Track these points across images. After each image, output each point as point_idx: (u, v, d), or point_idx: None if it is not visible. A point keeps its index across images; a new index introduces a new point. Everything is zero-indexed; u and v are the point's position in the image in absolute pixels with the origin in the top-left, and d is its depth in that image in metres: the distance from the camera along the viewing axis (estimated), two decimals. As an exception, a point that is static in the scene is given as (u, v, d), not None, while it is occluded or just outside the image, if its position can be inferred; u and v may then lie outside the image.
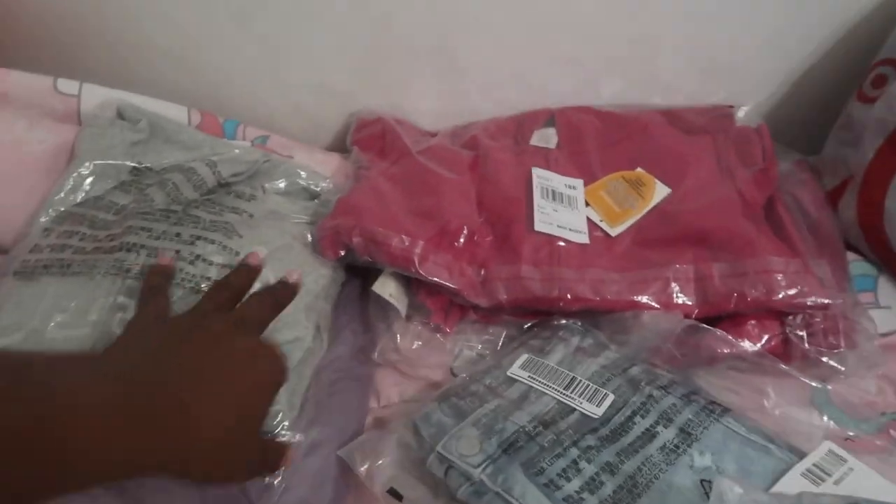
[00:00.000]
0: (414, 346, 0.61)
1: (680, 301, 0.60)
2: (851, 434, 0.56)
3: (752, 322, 0.60)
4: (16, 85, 0.67)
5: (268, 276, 0.56)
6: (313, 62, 0.74)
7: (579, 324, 0.60)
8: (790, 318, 0.60)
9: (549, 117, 0.78)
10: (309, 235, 0.63)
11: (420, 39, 0.73)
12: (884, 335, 0.65)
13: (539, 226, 0.65)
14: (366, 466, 0.50)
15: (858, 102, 0.70)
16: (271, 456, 0.47)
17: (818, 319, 0.60)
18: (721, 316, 0.60)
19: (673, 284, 0.60)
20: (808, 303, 0.59)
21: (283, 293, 0.53)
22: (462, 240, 0.63)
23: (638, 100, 0.79)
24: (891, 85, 0.65)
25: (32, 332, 0.49)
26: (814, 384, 0.60)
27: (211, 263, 0.54)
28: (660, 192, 0.68)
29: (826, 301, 0.59)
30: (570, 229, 0.65)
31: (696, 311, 0.60)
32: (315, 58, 0.74)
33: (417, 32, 0.72)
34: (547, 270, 0.61)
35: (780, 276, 0.59)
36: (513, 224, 0.65)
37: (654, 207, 0.67)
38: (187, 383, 0.40)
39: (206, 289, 0.52)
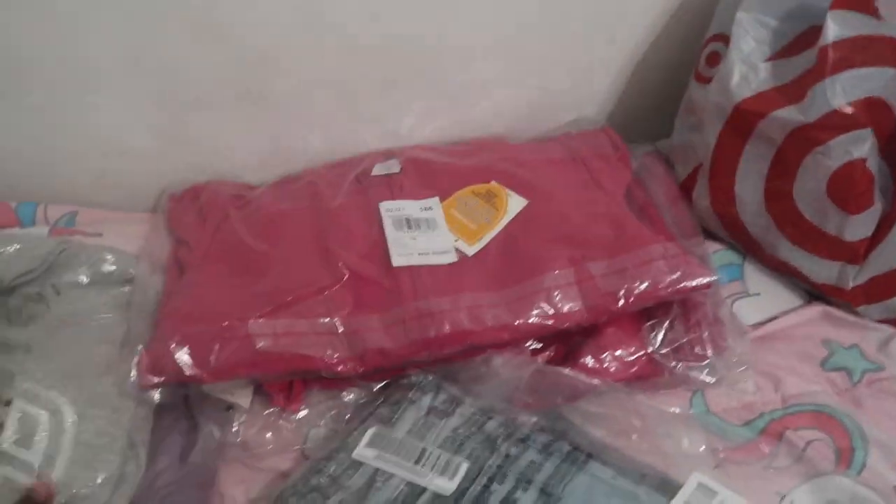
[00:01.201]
0: (257, 436, 0.56)
1: (566, 309, 0.56)
2: (722, 448, 0.54)
3: (612, 349, 0.56)
4: None
5: (62, 409, 0.49)
6: (102, 124, 0.67)
7: (431, 378, 0.56)
8: (651, 336, 0.58)
9: (390, 154, 0.72)
10: (118, 332, 0.56)
11: (221, 84, 0.66)
12: (758, 324, 0.63)
13: (397, 261, 0.60)
14: None
15: (697, 83, 0.68)
16: None
17: (681, 332, 0.58)
18: (577, 343, 0.57)
19: (555, 293, 0.56)
20: (694, 284, 0.57)
21: None
22: (311, 303, 0.57)
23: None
24: (723, 63, 0.63)
25: None
26: (688, 395, 0.58)
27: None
28: (516, 202, 0.65)
29: (709, 279, 0.57)
30: (433, 252, 0.61)
31: (585, 317, 0.56)
32: (104, 119, 0.66)
33: (217, 75, 0.66)
34: (415, 306, 0.56)
35: (661, 263, 0.57)
36: (368, 265, 0.60)
37: (516, 217, 0.63)
38: None
39: None
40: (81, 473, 0.47)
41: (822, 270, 0.61)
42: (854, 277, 0.60)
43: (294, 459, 0.56)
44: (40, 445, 0.47)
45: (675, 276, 0.56)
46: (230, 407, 0.56)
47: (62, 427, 0.49)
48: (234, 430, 0.56)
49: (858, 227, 0.58)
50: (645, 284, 0.56)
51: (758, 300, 0.65)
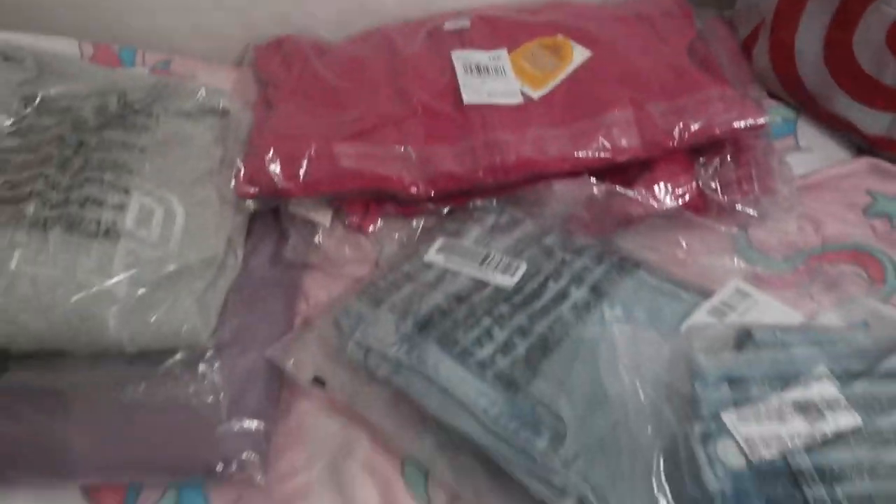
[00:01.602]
0: (337, 248, 0.62)
1: (624, 144, 0.59)
2: (760, 270, 0.58)
3: (664, 181, 0.60)
4: None
5: (173, 204, 0.56)
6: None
7: (495, 202, 0.61)
8: (702, 170, 0.61)
9: (461, 13, 0.76)
10: (216, 152, 0.62)
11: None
12: (804, 176, 0.66)
13: (468, 98, 0.64)
14: (292, 362, 0.52)
15: (763, -58, 0.69)
16: None
17: (731, 170, 0.61)
18: (633, 177, 0.61)
19: (614, 130, 0.60)
20: (747, 124, 0.60)
21: None
22: (387, 131, 0.62)
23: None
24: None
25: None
26: (733, 231, 0.62)
27: (101, 204, 0.53)
28: (580, 53, 0.68)
29: (762, 120, 0.60)
30: (500, 94, 0.65)
31: (641, 152, 0.60)
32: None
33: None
34: (483, 138, 0.61)
35: (717, 104, 0.60)
36: (441, 103, 0.65)
37: (580, 66, 0.67)
38: None
39: (98, 230, 0.51)
40: (192, 253, 0.54)
41: (874, 122, 0.63)
42: (903, 126, 0.62)
43: (369, 270, 0.62)
44: (156, 229, 0.54)
45: (729, 116, 0.59)
46: (313, 224, 0.63)
47: (173, 218, 0.55)
48: (316, 242, 0.62)
49: (912, 74, 0.59)
50: (700, 122, 0.59)
51: (809, 155, 0.68)
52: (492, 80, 0.66)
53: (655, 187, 0.60)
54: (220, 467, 0.49)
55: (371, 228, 0.63)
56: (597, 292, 0.51)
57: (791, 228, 0.63)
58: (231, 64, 0.79)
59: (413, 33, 0.73)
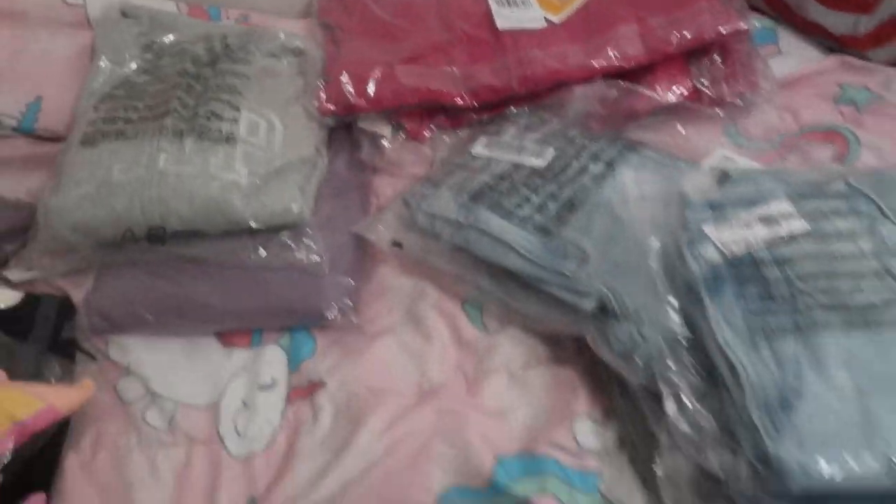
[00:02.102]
0: (399, 154, 0.75)
1: (630, 53, 0.71)
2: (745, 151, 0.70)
3: (665, 80, 0.72)
4: (29, 3, 0.79)
5: (273, 119, 0.69)
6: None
7: (526, 109, 0.73)
8: (696, 71, 0.73)
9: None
10: (299, 82, 0.76)
11: None
12: (785, 75, 0.77)
13: (500, 24, 0.76)
14: (375, 233, 0.66)
15: None
16: None
17: (720, 70, 0.73)
18: (638, 79, 0.73)
19: (622, 42, 0.72)
20: (731, 29, 0.71)
21: None
22: (437, 56, 0.75)
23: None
24: None
25: (102, 181, 0.64)
26: (723, 121, 0.73)
27: (221, 118, 0.67)
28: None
29: (744, 25, 0.71)
30: (527, 21, 0.77)
31: (645, 58, 0.71)
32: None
33: None
34: (516, 56, 0.73)
35: (706, 15, 0.71)
36: (479, 31, 0.76)
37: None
38: None
39: (221, 136, 0.65)
40: (291, 154, 0.67)
41: (841, 23, 0.74)
42: (865, 25, 0.73)
43: (427, 169, 0.76)
44: (263, 137, 0.68)
45: (716, 24, 0.71)
46: (379, 135, 0.76)
47: (273, 129, 0.69)
48: (382, 150, 0.76)
49: (870, -21, 0.70)
50: (693, 31, 0.71)
51: (789, 58, 0.79)
52: (519, 10, 0.78)
53: (657, 86, 0.72)
54: (325, 312, 0.63)
55: (427, 135, 0.76)
56: (610, 166, 0.64)
57: (773, 117, 0.74)
58: (297, 16, 0.92)
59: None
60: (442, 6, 0.80)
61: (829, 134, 0.71)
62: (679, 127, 0.72)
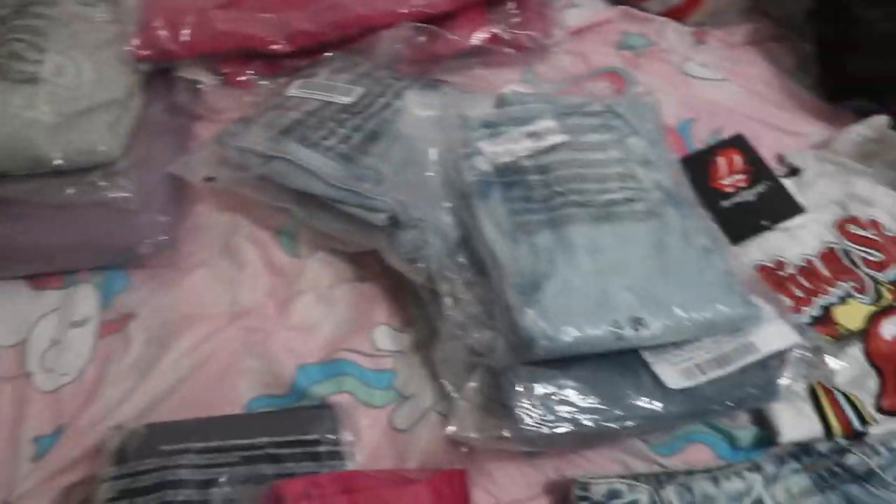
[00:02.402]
0: (217, 100, 0.76)
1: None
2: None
3: (467, 26, 0.77)
4: None
5: (83, 64, 0.68)
6: None
7: (341, 53, 0.76)
8: (494, 17, 0.78)
9: None
10: (112, 28, 0.74)
11: None
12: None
13: None
14: (188, 171, 0.67)
15: None
16: None
17: (517, 20, 0.79)
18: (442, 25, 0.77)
19: None
20: None
21: None
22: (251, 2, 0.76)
23: None
24: None
25: None
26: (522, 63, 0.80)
27: (22, 59, 0.65)
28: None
29: None
30: None
31: (449, 5, 0.75)
32: None
33: None
34: (329, 3, 0.74)
35: None
36: None
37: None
38: None
39: (23, 76, 0.63)
40: (99, 95, 0.67)
41: (620, -23, 0.82)
42: (638, -22, 0.81)
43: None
44: (70, 78, 0.66)
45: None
46: (197, 81, 0.76)
47: (81, 72, 0.67)
48: (200, 95, 0.76)
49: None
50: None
51: (581, 9, 0.86)
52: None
53: (459, 31, 0.77)
54: (137, 249, 0.63)
55: (246, 81, 0.77)
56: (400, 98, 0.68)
57: (565, 61, 0.81)
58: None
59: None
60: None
61: (611, 75, 0.79)
62: (482, 71, 0.77)
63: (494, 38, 0.78)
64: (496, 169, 0.55)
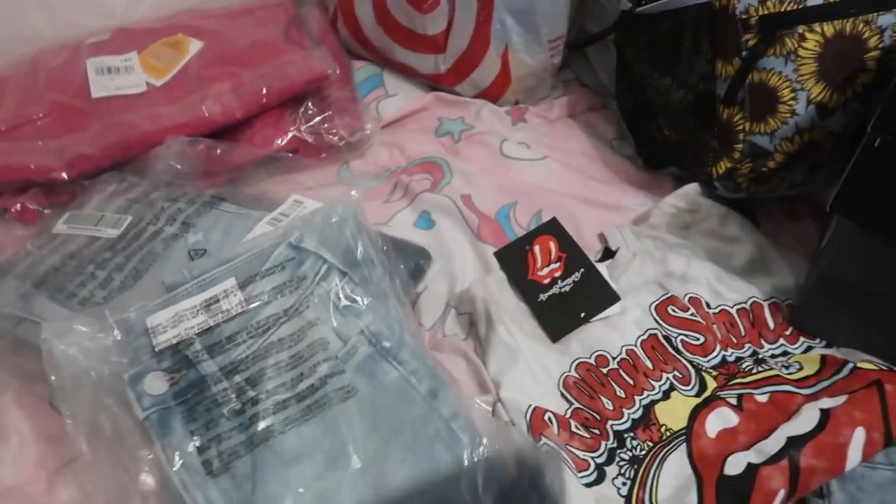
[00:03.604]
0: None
1: (224, 109, 0.67)
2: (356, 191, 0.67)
3: (262, 132, 0.69)
4: None
5: None
6: None
7: (117, 173, 0.66)
8: (298, 120, 0.70)
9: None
10: None
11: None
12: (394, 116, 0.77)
13: (96, 92, 0.70)
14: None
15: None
16: None
17: (320, 119, 0.71)
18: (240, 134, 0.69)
19: (216, 99, 0.68)
20: (316, 74, 0.69)
21: None
22: (26, 130, 0.66)
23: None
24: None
25: None
26: (337, 165, 0.71)
27: None
28: (195, 45, 0.75)
29: (327, 71, 0.70)
30: (127, 87, 0.71)
31: (240, 113, 0.68)
32: None
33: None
34: (110, 122, 0.67)
35: (292, 66, 0.70)
36: (75, 100, 0.69)
37: (195, 55, 0.74)
38: None
39: None
40: None
41: (424, 63, 0.75)
42: (444, 63, 0.74)
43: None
44: None
45: (301, 72, 0.69)
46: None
47: None
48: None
49: (433, 23, 0.71)
50: (281, 81, 0.68)
51: (396, 99, 0.78)
52: (120, 77, 0.72)
53: (256, 137, 0.68)
54: None
55: (19, 209, 0.66)
56: (185, 225, 0.58)
57: (383, 155, 0.73)
58: None
59: (59, 51, 0.77)
60: (38, 81, 0.72)
61: (427, 165, 0.71)
62: (298, 177, 0.69)
63: (297, 141, 0.70)
64: (174, 390, 0.45)
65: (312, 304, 0.47)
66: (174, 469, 0.42)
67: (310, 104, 0.70)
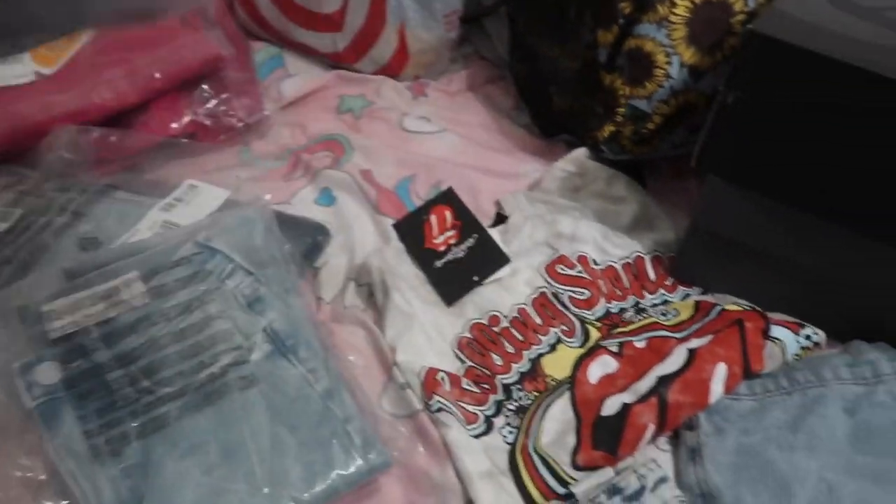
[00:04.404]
0: None
1: (116, 94, 0.64)
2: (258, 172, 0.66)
3: (158, 117, 0.66)
4: None
5: None
6: None
7: (7, 165, 0.63)
8: (196, 104, 0.68)
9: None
10: None
11: None
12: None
13: None
14: None
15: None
16: None
17: (218, 102, 0.69)
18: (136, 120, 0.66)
19: (109, 85, 0.64)
20: (209, 56, 0.67)
21: None
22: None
23: None
24: None
25: None
26: (237, 147, 0.70)
27: None
28: (87, 33, 0.71)
29: (221, 52, 0.68)
30: (13, 77, 0.67)
31: (134, 97, 0.65)
32: None
33: None
34: (2, 111, 0.63)
35: (185, 48, 0.67)
36: None
37: (87, 42, 0.70)
38: None
39: None
40: None
41: (322, 42, 0.73)
42: (341, 41, 0.73)
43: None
44: None
45: (195, 54, 0.67)
46: None
47: None
48: None
49: (328, 1, 0.70)
50: (174, 64, 0.66)
51: (298, 78, 0.77)
52: (8, 66, 0.68)
53: (151, 122, 0.66)
54: None
55: None
56: (76, 215, 0.56)
57: (285, 135, 0.72)
58: None
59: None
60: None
61: (329, 143, 0.70)
62: (199, 161, 0.67)
63: (194, 125, 0.68)
64: (66, 379, 0.43)
65: (217, 299, 0.46)
66: (62, 459, 0.41)
67: (206, 87, 0.68)
